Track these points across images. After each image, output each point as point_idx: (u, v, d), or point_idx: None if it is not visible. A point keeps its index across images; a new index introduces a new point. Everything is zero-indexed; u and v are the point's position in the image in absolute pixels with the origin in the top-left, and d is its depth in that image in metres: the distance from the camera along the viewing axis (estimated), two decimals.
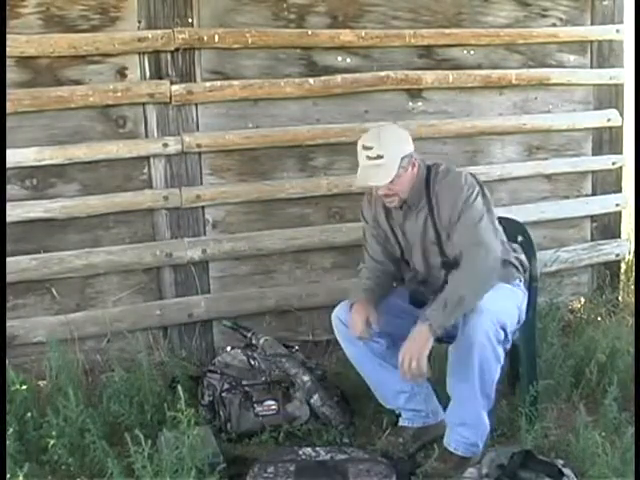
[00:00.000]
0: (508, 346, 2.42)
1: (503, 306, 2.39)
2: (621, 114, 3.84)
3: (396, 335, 2.48)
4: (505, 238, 2.59)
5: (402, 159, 2.37)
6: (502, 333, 2.34)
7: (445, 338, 2.45)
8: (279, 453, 2.41)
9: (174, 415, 2.20)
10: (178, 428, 2.21)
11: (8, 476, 2.09)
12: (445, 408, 2.54)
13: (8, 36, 2.75)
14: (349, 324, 2.49)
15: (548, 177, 3.77)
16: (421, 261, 2.53)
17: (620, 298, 3.91)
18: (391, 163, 2.35)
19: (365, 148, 2.38)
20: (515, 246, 2.71)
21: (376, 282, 2.59)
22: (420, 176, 2.45)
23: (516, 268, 2.56)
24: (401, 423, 2.65)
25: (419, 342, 2.28)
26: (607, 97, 3.82)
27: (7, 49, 2.76)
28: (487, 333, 2.28)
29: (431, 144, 3.49)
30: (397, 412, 2.65)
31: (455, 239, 2.41)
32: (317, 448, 2.42)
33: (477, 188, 2.41)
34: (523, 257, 2.63)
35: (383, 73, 3.36)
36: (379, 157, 2.34)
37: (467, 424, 2.42)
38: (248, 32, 3.13)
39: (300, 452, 2.38)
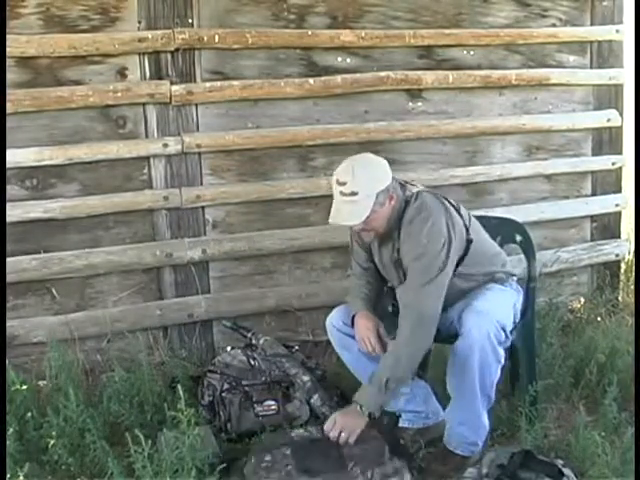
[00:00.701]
0: (508, 344, 2.43)
1: (501, 307, 2.40)
2: (621, 114, 3.84)
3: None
4: (494, 248, 2.59)
5: (378, 195, 2.27)
6: (502, 334, 2.35)
7: (444, 337, 2.45)
8: (272, 439, 2.41)
9: (174, 415, 2.20)
10: (178, 428, 2.21)
11: (8, 476, 2.09)
12: (445, 407, 2.54)
13: (8, 36, 2.75)
14: (359, 341, 2.46)
15: (548, 177, 3.77)
16: (398, 283, 2.49)
17: (620, 298, 3.91)
18: (366, 200, 2.25)
19: (339, 183, 2.27)
20: (512, 246, 2.71)
21: (369, 288, 2.57)
22: (398, 207, 2.35)
23: (504, 273, 2.55)
24: (401, 424, 2.65)
25: (354, 422, 2.29)
26: (607, 97, 3.82)
27: (7, 49, 2.76)
28: (488, 334, 2.29)
29: (431, 144, 3.50)
30: (397, 413, 2.65)
31: (400, 290, 2.38)
32: (309, 428, 2.43)
33: (439, 242, 2.29)
34: (509, 262, 2.61)
35: (383, 73, 3.36)
36: (353, 194, 2.23)
37: (467, 424, 2.42)
38: (248, 32, 3.13)
39: (293, 434, 2.39)
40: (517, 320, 2.55)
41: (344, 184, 2.25)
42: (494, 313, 2.33)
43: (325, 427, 2.33)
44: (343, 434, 2.28)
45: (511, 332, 2.46)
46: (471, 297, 2.41)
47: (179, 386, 2.26)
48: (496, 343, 2.31)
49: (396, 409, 2.64)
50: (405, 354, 2.29)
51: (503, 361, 2.38)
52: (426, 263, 2.29)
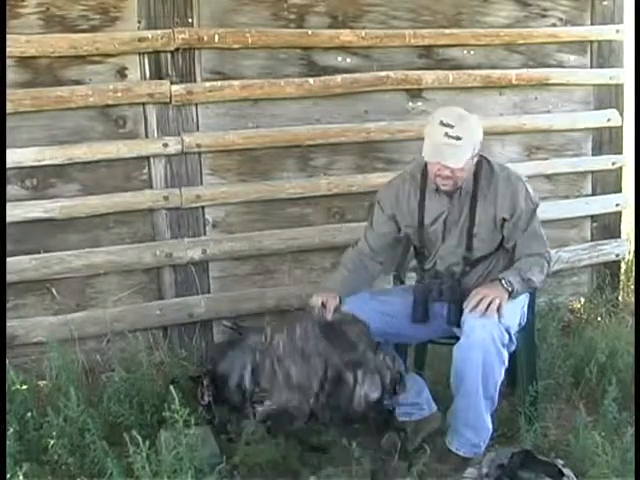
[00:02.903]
0: (512, 348, 2.43)
1: (508, 309, 2.39)
2: (621, 114, 3.84)
3: (390, 334, 2.50)
4: None
5: (474, 149, 2.39)
6: (506, 336, 2.35)
7: (446, 338, 2.46)
8: (294, 318, 2.46)
9: (171, 415, 2.20)
10: (176, 428, 2.21)
11: (8, 476, 2.09)
12: (439, 405, 2.56)
13: (8, 36, 2.75)
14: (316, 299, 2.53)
15: (548, 177, 3.77)
16: (452, 250, 2.53)
17: (620, 298, 3.91)
18: (467, 148, 2.35)
19: (445, 124, 2.34)
20: None
21: (353, 274, 2.61)
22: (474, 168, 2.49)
23: None
24: (400, 418, 2.65)
25: (498, 291, 2.37)
26: (607, 97, 3.81)
27: (7, 49, 2.76)
28: (492, 335, 2.29)
29: None
30: (391, 407, 2.66)
31: (522, 245, 2.48)
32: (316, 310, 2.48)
33: (534, 199, 2.52)
34: None
35: (383, 73, 3.36)
36: (458, 139, 2.32)
37: (470, 425, 2.42)
38: (248, 32, 3.13)
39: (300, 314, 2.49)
40: (522, 323, 2.55)
41: (451, 127, 2.33)
42: (500, 314, 2.33)
43: (469, 304, 2.36)
44: (489, 300, 2.33)
45: (516, 337, 2.46)
46: None
47: (171, 387, 2.25)
48: (500, 344, 2.32)
49: (392, 404, 2.65)
50: (538, 277, 2.46)
51: (506, 363, 2.38)
52: (535, 215, 2.50)
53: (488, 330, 2.29)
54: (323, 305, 2.47)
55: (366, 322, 2.40)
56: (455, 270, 2.53)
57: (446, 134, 2.32)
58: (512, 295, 2.37)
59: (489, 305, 2.32)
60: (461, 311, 2.41)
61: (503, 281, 2.38)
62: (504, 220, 2.47)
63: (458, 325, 2.41)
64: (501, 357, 2.34)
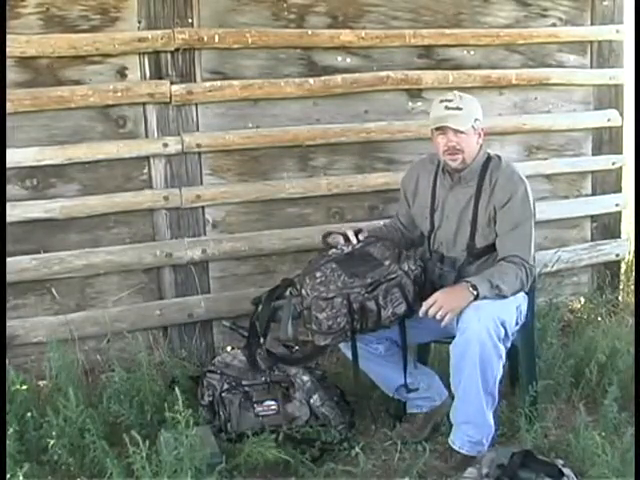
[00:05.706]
0: (508, 344, 2.43)
1: (502, 304, 2.40)
2: (621, 114, 3.83)
3: (393, 339, 2.51)
4: None
5: (475, 120, 2.50)
6: (502, 330, 2.35)
7: (446, 337, 2.46)
8: (315, 262, 2.51)
9: (173, 416, 2.20)
10: (177, 428, 2.21)
11: (8, 476, 2.09)
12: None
13: (8, 36, 2.75)
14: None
15: (548, 177, 3.77)
16: (451, 237, 2.57)
17: (620, 298, 3.91)
18: (468, 116, 2.48)
19: (445, 101, 2.50)
20: None
21: (386, 230, 2.77)
22: (480, 156, 2.55)
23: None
24: (410, 410, 2.68)
25: (458, 297, 2.34)
26: (607, 97, 3.81)
27: (7, 49, 2.76)
28: (487, 329, 2.29)
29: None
30: (403, 400, 2.69)
31: (506, 242, 2.48)
32: (339, 246, 2.56)
33: (531, 206, 2.52)
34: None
35: (383, 73, 3.36)
36: (459, 109, 2.47)
37: (471, 422, 2.42)
38: (248, 32, 3.13)
39: (330, 253, 2.52)
40: (520, 322, 2.55)
41: (450, 101, 2.50)
42: (493, 308, 2.34)
43: (425, 303, 2.35)
44: (442, 311, 2.30)
45: (513, 334, 2.47)
46: None
47: (177, 388, 2.26)
48: (496, 338, 2.32)
49: (402, 398, 2.66)
50: (509, 286, 2.40)
51: (504, 358, 2.38)
52: (529, 216, 2.51)
53: (484, 324, 2.29)
54: (345, 237, 2.59)
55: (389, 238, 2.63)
56: (458, 258, 2.55)
57: (446, 107, 2.48)
58: (478, 298, 2.34)
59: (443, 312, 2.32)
60: None
61: (470, 286, 2.34)
62: (495, 211, 2.50)
63: None
64: (498, 351, 2.34)
